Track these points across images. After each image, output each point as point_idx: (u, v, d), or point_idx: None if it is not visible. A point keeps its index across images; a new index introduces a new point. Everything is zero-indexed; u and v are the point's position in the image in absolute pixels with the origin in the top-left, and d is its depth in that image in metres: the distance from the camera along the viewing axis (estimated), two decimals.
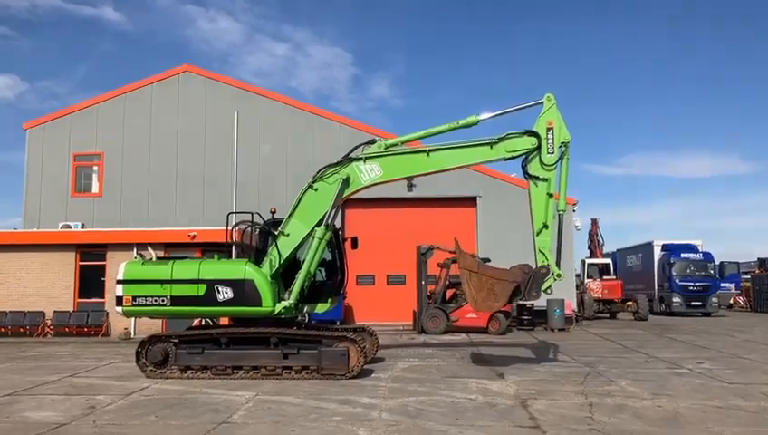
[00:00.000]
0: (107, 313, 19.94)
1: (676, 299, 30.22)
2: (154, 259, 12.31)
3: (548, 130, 11.44)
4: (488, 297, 11.22)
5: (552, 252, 11.29)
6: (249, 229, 12.20)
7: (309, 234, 11.65)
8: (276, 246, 11.53)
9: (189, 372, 11.20)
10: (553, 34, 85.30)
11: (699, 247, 32.09)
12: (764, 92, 77.15)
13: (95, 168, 24.77)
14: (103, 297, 20.24)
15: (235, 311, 11.43)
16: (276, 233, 11.61)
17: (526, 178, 11.66)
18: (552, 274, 11.12)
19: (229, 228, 11.88)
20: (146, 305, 11.41)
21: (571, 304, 21.96)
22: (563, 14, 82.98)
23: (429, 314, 19.65)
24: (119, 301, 11.52)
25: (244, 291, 11.17)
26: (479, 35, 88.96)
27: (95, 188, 24.69)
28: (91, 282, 20.53)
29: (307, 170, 22.98)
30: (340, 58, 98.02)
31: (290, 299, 11.40)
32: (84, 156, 24.73)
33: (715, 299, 30.58)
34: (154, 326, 18.10)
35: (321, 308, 12.28)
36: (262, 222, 12.10)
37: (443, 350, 15.45)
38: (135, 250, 18.86)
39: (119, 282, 11.55)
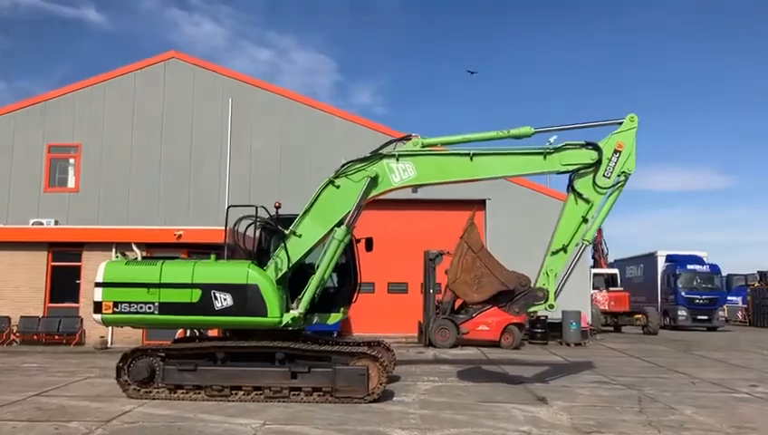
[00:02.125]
0: (81, 319, 18.06)
1: (682, 312, 28.98)
2: (139, 259, 10.64)
3: (615, 151, 10.18)
4: (470, 283, 9.99)
5: (558, 279, 10.13)
6: (244, 227, 10.48)
7: (324, 237, 10.09)
8: (285, 247, 9.88)
9: (180, 392, 9.57)
10: (535, 47, 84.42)
11: (705, 259, 30.96)
12: (741, 105, 77.10)
13: (71, 160, 22.78)
14: (77, 302, 18.35)
15: (235, 321, 9.76)
16: (287, 233, 9.98)
17: (568, 192, 10.43)
18: (546, 301, 9.99)
19: (230, 225, 10.20)
20: (129, 313, 9.73)
21: (587, 317, 20.54)
22: (544, 27, 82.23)
23: (437, 326, 18.06)
24: (97, 307, 9.82)
25: (247, 298, 9.56)
26: (465, 48, 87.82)
27: (71, 183, 22.70)
28: (64, 284, 18.58)
29: (303, 167, 21.67)
30: (323, 65, 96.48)
31: (299, 308, 9.80)
32: (60, 147, 22.75)
33: (721, 313, 29.47)
34: (134, 335, 16.39)
35: (334, 319, 10.76)
36: (267, 217, 10.43)
37: (460, 367, 13.91)
38: (114, 250, 17.05)
39: (98, 285, 9.85)
